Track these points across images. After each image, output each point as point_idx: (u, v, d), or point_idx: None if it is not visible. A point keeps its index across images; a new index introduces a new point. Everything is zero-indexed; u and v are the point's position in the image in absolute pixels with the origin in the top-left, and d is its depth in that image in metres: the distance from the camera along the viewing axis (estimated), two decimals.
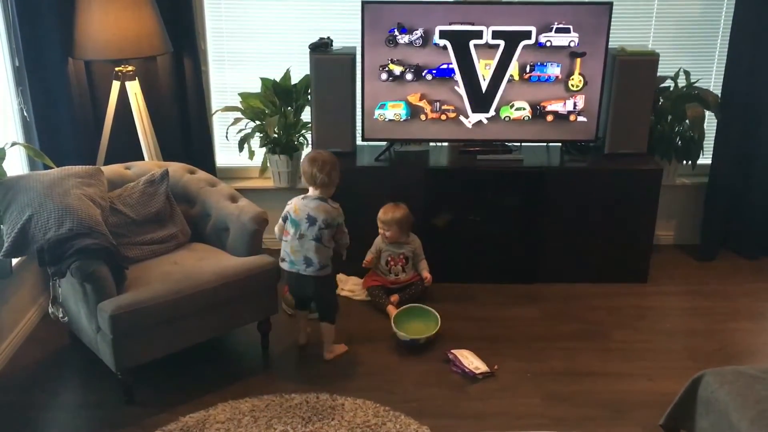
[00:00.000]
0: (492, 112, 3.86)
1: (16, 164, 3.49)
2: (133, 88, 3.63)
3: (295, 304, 3.40)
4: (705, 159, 4.21)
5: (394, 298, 3.69)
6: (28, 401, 2.99)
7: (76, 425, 2.93)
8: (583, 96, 3.84)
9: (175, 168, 3.51)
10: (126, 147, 3.75)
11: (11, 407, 2.96)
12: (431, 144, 4.11)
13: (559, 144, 4.07)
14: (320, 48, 3.82)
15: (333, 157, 3.15)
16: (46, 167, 3.28)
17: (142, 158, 3.72)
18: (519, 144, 4.02)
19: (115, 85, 3.61)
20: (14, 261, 3.26)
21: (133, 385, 2.96)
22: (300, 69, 4.04)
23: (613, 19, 3.71)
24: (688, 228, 4.44)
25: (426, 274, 3.76)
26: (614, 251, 3.95)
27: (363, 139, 3.95)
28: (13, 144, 3.23)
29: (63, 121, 3.58)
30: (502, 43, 3.73)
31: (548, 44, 3.74)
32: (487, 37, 3.72)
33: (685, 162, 4.18)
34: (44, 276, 3.46)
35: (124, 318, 2.79)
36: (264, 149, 4.17)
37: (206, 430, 2.78)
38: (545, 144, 4.09)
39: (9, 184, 3.01)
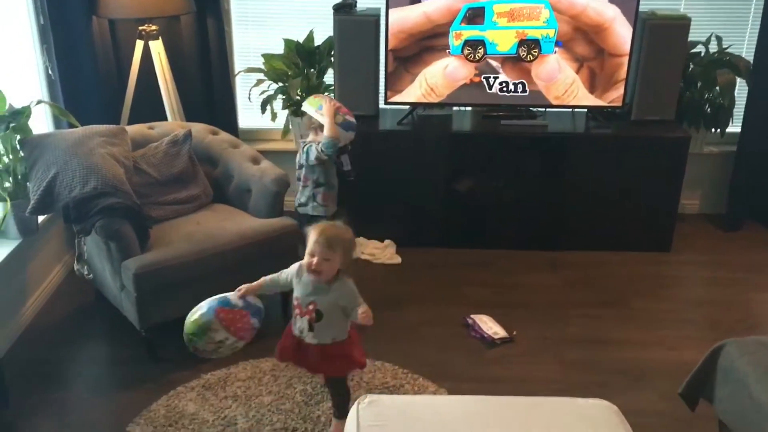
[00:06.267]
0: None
1: (41, 122, 3.51)
2: (157, 47, 3.63)
3: None
4: (734, 127, 4.13)
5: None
6: (53, 356, 3.06)
7: (101, 380, 2.99)
8: None
9: (198, 129, 3.51)
10: (149, 107, 3.76)
11: (37, 362, 3.03)
12: (454, 108, 4.06)
13: (585, 110, 4.01)
14: (344, 9, 3.77)
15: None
16: (71, 126, 3.30)
17: (165, 118, 3.74)
18: (544, 109, 3.97)
19: (139, 45, 3.61)
20: (40, 218, 3.31)
21: (157, 342, 3.01)
22: (323, 30, 3.99)
23: None
24: (714, 197, 4.38)
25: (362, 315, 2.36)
26: (638, 219, 3.91)
27: (386, 103, 3.92)
28: (39, 102, 3.25)
29: (87, 79, 3.59)
30: (527, 6, 3.65)
31: None
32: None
33: (713, 130, 4.10)
34: (69, 233, 3.51)
35: (148, 276, 2.83)
36: (286, 111, 4.16)
37: (228, 387, 2.83)
38: (571, 110, 4.03)
39: (35, 142, 3.04)
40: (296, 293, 2.41)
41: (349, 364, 2.53)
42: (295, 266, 2.41)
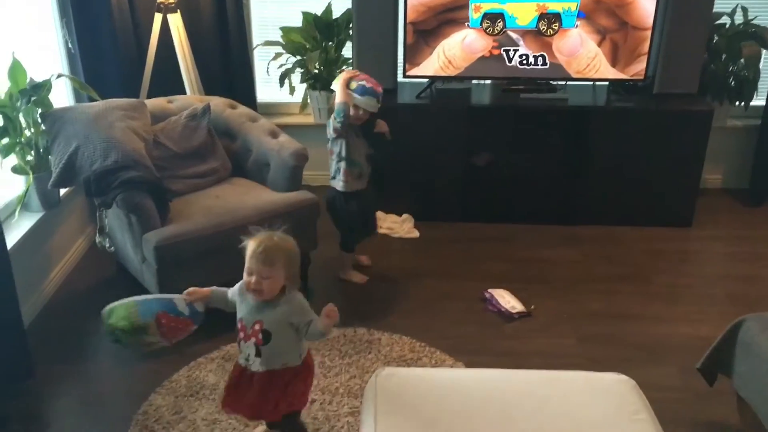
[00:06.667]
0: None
1: (62, 96, 3.53)
2: (175, 20, 3.62)
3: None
4: (759, 100, 4.07)
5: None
6: (76, 327, 3.10)
7: (123, 351, 3.01)
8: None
9: (217, 102, 3.52)
10: (168, 80, 3.77)
11: (61, 333, 3.08)
12: (473, 82, 4.03)
13: (606, 83, 3.95)
14: None
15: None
16: (91, 99, 3.31)
17: (184, 92, 3.74)
18: (564, 82, 3.92)
19: (157, 18, 3.60)
20: (62, 191, 3.34)
21: None
22: (342, 3, 3.97)
23: None
24: (738, 172, 4.33)
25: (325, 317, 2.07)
26: (659, 194, 3.87)
27: (404, 76, 3.89)
28: (59, 76, 3.27)
29: (107, 53, 3.60)
30: None
31: None
32: None
33: (737, 103, 4.04)
34: (91, 206, 3.54)
35: (168, 249, 2.85)
36: (305, 85, 4.15)
37: None
38: (591, 83, 3.98)
39: (56, 115, 3.06)
40: (240, 314, 2.10)
41: (290, 403, 2.17)
42: (238, 284, 2.12)
